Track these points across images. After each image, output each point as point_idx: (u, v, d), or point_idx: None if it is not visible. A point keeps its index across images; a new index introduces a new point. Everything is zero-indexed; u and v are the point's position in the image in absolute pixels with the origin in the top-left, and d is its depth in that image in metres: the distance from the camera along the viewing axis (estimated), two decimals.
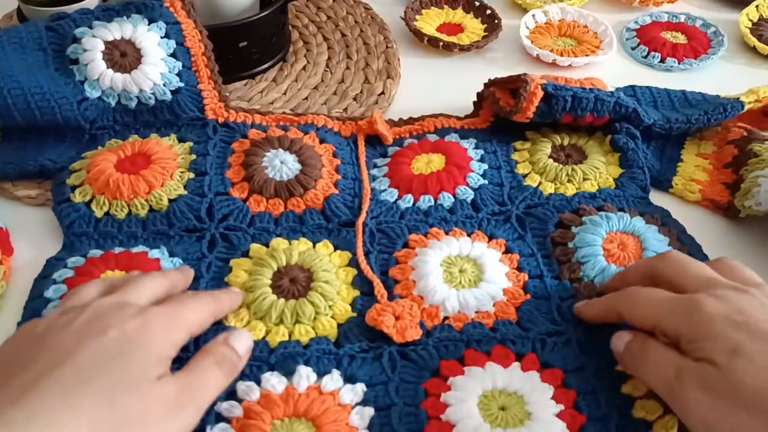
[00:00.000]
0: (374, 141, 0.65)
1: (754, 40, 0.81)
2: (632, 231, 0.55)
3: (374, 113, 0.64)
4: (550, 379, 0.45)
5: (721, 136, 0.64)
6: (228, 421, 0.42)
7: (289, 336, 0.48)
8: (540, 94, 0.61)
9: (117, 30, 0.63)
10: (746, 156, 0.60)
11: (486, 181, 0.61)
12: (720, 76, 0.78)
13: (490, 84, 0.67)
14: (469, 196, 0.59)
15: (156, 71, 0.63)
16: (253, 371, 0.45)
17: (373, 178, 0.61)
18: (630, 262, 0.53)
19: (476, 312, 0.50)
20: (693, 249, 0.55)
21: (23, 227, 0.58)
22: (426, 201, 0.59)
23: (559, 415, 0.43)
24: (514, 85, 0.63)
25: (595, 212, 0.56)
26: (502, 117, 0.65)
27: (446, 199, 0.59)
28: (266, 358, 0.46)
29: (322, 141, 0.63)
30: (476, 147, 0.64)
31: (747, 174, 0.59)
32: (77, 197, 0.57)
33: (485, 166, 0.62)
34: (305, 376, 0.44)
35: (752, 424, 0.36)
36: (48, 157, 0.60)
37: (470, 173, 0.61)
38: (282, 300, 0.49)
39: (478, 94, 0.69)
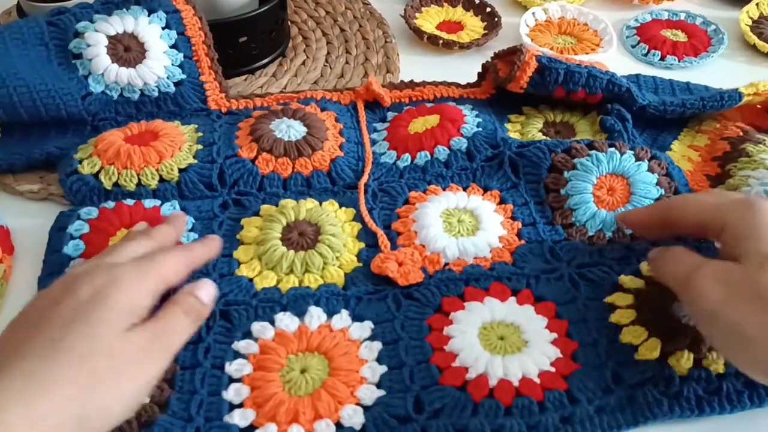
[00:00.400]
0: (373, 107, 0.70)
1: (754, 38, 0.84)
2: (622, 172, 0.60)
3: (370, 77, 0.69)
4: (544, 311, 0.51)
5: (717, 132, 0.67)
6: (245, 357, 0.48)
7: (299, 284, 0.53)
8: (534, 64, 0.65)
9: (119, 23, 0.66)
10: (738, 154, 0.63)
11: (480, 129, 0.65)
12: (720, 74, 0.81)
13: (496, 57, 0.71)
14: (463, 144, 0.64)
15: (160, 65, 0.67)
16: (266, 312, 0.50)
17: (373, 142, 0.66)
18: (618, 207, 0.58)
19: (474, 258, 0.55)
20: (680, 183, 0.60)
21: (25, 222, 0.59)
22: (422, 157, 0.63)
23: (553, 343, 0.49)
24: (513, 56, 0.68)
25: (586, 152, 0.61)
26: (502, 91, 0.70)
27: (441, 153, 0.63)
28: (278, 299, 0.51)
29: (323, 109, 0.67)
30: (472, 110, 0.68)
31: (735, 171, 0.62)
32: (85, 169, 0.60)
33: (479, 119, 0.66)
34: (316, 316, 0.50)
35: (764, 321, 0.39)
36: (54, 145, 0.63)
37: (464, 125, 0.65)
38: (292, 251, 0.54)
39: (483, 65, 0.73)
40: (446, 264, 0.55)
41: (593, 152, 0.60)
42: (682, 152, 0.67)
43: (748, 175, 0.60)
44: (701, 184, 0.63)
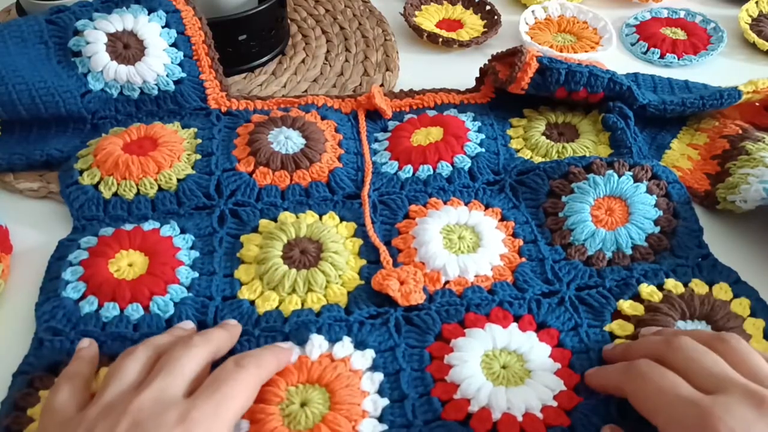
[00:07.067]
0: (374, 116, 0.69)
1: (753, 36, 0.84)
2: (619, 194, 0.59)
3: (372, 87, 0.69)
4: (546, 338, 0.50)
5: (716, 130, 0.67)
6: None
7: (302, 304, 0.52)
8: (535, 65, 0.65)
9: (118, 21, 0.66)
10: (737, 152, 0.63)
11: (483, 149, 0.65)
12: (719, 72, 0.81)
13: (494, 59, 0.71)
14: (467, 164, 0.63)
15: (159, 62, 0.66)
16: (268, 342, 0.49)
17: (374, 152, 0.66)
18: (618, 227, 0.58)
19: (475, 276, 0.54)
20: (680, 201, 0.60)
21: (25, 220, 0.59)
22: (425, 171, 0.63)
23: (557, 373, 0.48)
24: (512, 58, 0.67)
25: (584, 176, 0.60)
26: (502, 93, 0.69)
27: (444, 168, 0.63)
28: (280, 328, 0.50)
29: (323, 118, 0.67)
30: (474, 120, 0.68)
31: (735, 169, 0.62)
32: (85, 180, 0.60)
33: (482, 136, 0.66)
34: (317, 345, 0.48)
35: None
36: (54, 147, 0.63)
37: (467, 142, 0.65)
38: (294, 270, 0.53)
39: (480, 69, 0.73)
40: (446, 282, 0.54)
41: (591, 176, 0.60)
42: (682, 151, 0.67)
43: (748, 173, 0.60)
44: (701, 183, 0.63)
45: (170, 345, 0.45)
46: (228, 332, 0.48)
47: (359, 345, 0.49)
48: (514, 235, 0.58)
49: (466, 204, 0.60)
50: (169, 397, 0.40)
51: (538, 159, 0.65)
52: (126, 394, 0.40)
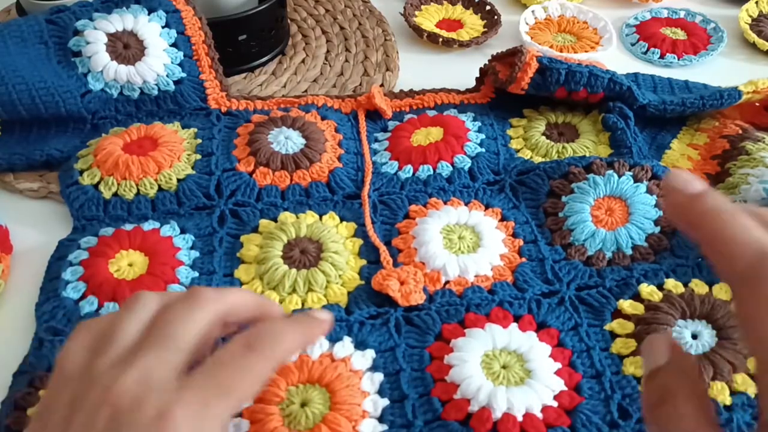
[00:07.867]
0: (374, 116, 0.69)
1: (753, 36, 0.84)
2: (619, 194, 0.59)
3: (372, 88, 0.69)
4: (546, 338, 0.50)
5: (716, 130, 0.67)
6: None
7: (302, 304, 0.52)
8: (535, 65, 0.65)
9: (118, 21, 0.66)
10: (737, 152, 0.63)
11: (483, 149, 0.65)
12: (719, 72, 0.81)
13: (494, 59, 0.71)
14: (467, 164, 0.63)
15: (159, 63, 0.66)
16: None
17: (375, 152, 0.66)
18: (618, 227, 0.58)
19: (475, 276, 0.54)
20: None
21: (25, 220, 0.60)
22: (425, 171, 0.63)
23: (557, 373, 0.47)
24: (512, 58, 0.67)
25: (584, 176, 0.60)
26: (502, 93, 0.69)
27: (444, 168, 0.63)
28: None
29: (323, 118, 0.67)
30: (474, 120, 0.68)
31: (735, 169, 0.62)
32: (85, 180, 0.60)
33: (482, 136, 0.66)
34: (318, 344, 0.48)
35: None
36: (54, 147, 0.63)
37: (468, 142, 0.65)
38: (294, 270, 0.53)
39: (480, 69, 0.73)
40: (446, 282, 0.54)
41: (591, 176, 0.60)
42: (682, 151, 0.67)
43: (748, 173, 0.60)
44: None
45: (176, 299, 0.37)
46: (254, 299, 0.39)
47: (359, 345, 0.49)
48: (514, 235, 0.58)
49: (466, 204, 0.60)
50: (157, 379, 0.32)
51: (538, 159, 0.65)
52: (114, 368, 0.33)
